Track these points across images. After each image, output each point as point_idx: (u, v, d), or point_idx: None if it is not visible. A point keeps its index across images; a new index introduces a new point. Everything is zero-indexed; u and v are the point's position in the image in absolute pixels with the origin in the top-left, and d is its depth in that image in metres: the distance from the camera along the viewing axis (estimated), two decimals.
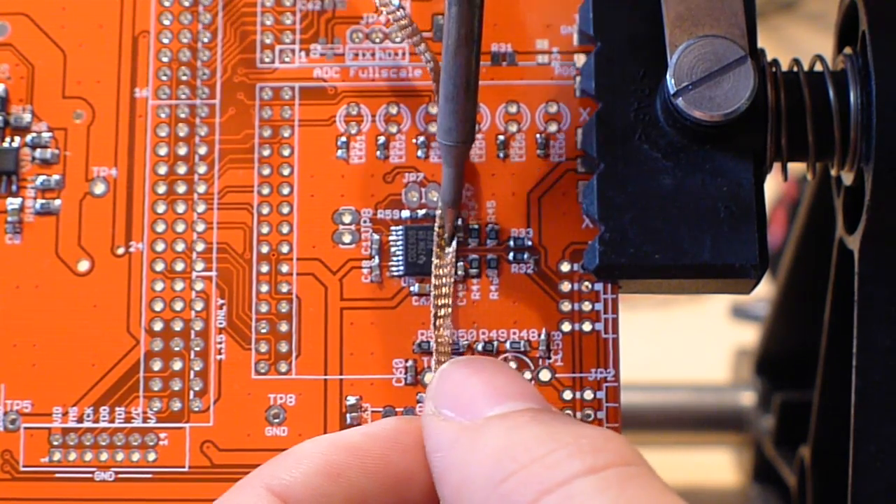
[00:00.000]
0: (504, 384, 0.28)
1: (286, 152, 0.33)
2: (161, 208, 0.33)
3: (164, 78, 0.34)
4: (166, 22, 0.34)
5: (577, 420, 0.27)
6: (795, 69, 0.33)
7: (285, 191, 0.33)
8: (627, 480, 0.25)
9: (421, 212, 0.33)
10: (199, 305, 0.33)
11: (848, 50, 0.33)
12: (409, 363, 0.32)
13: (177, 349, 0.33)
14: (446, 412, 0.27)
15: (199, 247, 0.33)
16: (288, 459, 0.28)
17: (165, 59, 0.34)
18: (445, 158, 0.31)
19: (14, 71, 0.34)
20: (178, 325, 0.33)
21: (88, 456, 0.32)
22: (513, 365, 0.32)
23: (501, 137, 0.33)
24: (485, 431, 0.26)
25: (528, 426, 0.26)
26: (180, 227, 0.33)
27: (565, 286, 0.32)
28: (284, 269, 0.33)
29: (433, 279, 0.32)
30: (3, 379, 0.32)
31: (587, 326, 0.32)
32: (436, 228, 0.32)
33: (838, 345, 0.38)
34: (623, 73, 0.32)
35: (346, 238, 0.33)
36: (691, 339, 0.64)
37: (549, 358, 0.32)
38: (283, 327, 0.33)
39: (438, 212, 0.32)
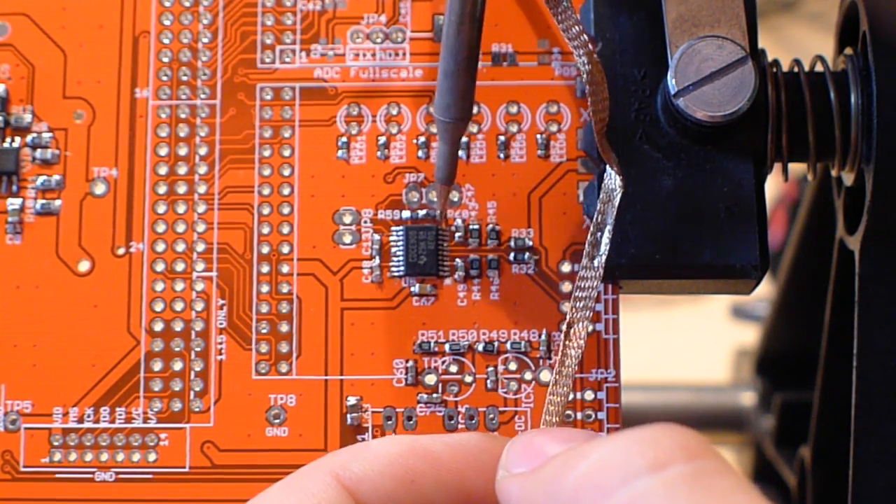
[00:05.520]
0: (568, 433, 0.27)
1: (287, 153, 0.33)
2: (161, 209, 0.33)
3: (165, 78, 0.34)
4: (167, 22, 0.34)
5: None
6: (796, 69, 0.33)
7: (286, 191, 0.33)
8: (695, 477, 0.23)
9: (421, 212, 0.33)
10: (199, 306, 0.33)
11: (849, 50, 0.33)
12: (410, 363, 0.32)
13: (177, 350, 0.33)
14: (516, 469, 0.26)
15: (200, 247, 0.33)
16: (364, 453, 0.27)
17: (166, 60, 0.34)
18: (441, 135, 0.30)
19: (14, 71, 0.34)
20: (178, 326, 0.33)
21: (89, 456, 0.32)
22: (513, 366, 0.32)
23: (502, 138, 0.33)
24: (546, 466, 0.25)
25: (585, 448, 0.24)
26: (181, 228, 0.33)
27: (566, 286, 0.32)
28: (285, 269, 0.33)
29: (575, 290, 0.31)
30: (3, 379, 0.32)
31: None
32: (588, 240, 0.31)
33: (838, 345, 0.38)
34: (623, 73, 0.32)
35: (347, 238, 0.33)
36: (691, 339, 0.64)
37: (550, 358, 0.32)
38: (284, 328, 0.33)
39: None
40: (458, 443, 0.27)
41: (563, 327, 0.31)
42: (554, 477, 0.24)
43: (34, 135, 0.34)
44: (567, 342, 0.31)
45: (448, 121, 0.30)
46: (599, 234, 0.31)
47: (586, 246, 0.31)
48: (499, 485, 0.26)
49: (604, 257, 0.31)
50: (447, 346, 0.32)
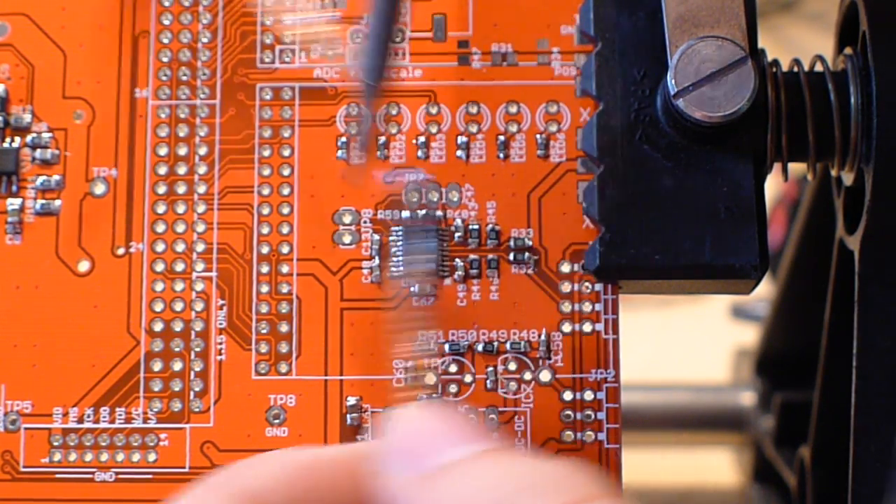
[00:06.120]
0: (453, 429, 0.26)
1: (286, 153, 0.33)
2: (161, 209, 0.33)
3: (165, 78, 0.34)
4: (166, 22, 0.34)
5: (532, 457, 0.26)
6: (796, 69, 0.33)
7: (285, 191, 0.33)
8: None
9: (421, 212, 0.33)
10: (199, 306, 0.33)
11: (848, 50, 0.33)
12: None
13: (177, 350, 0.33)
14: (401, 467, 0.26)
15: (200, 247, 0.33)
16: (255, 467, 0.27)
17: (165, 60, 0.34)
18: (368, 99, 0.30)
19: (14, 71, 0.34)
20: (178, 326, 0.33)
21: (89, 456, 0.32)
22: (513, 366, 0.32)
23: (502, 138, 0.33)
24: (443, 480, 0.25)
25: (486, 470, 0.25)
26: (180, 228, 0.33)
27: (566, 287, 0.32)
28: (285, 269, 0.33)
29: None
30: (3, 379, 0.32)
31: (587, 327, 0.32)
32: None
33: (838, 345, 0.37)
34: (623, 73, 0.32)
35: (347, 238, 0.33)
36: (691, 339, 0.64)
37: (550, 359, 0.32)
38: (284, 328, 0.33)
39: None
40: (350, 451, 0.27)
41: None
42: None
43: (34, 135, 0.34)
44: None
45: (375, 83, 0.29)
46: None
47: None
48: (383, 478, 0.26)
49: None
50: (447, 346, 0.32)
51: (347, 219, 0.33)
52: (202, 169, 0.33)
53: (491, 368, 0.32)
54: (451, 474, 0.25)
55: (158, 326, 0.33)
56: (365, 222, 0.33)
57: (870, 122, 0.32)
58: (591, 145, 0.32)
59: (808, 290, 0.45)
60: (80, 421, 0.32)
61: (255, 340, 0.33)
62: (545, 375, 0.32)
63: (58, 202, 0.33)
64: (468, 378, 0.32)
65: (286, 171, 0.33)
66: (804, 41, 0.74)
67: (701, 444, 0.58)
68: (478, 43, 0.34)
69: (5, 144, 0.34)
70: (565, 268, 0.33)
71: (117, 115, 0.34)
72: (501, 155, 0.33)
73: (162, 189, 0.33)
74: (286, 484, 0.26)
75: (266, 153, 0.33)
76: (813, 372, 0.40)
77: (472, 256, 0.33)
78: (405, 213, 0.33)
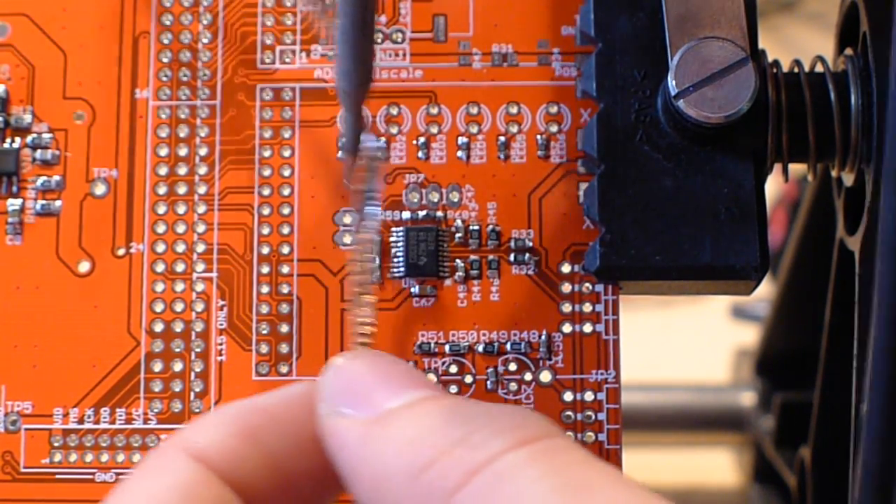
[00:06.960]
0: (399, 375, 0.27)
1: (287, 153, 0.33)
2: (162, 209, 0.33)
3: (165, 79, 0.34)
4: (167, 23, 0.34)
5: (482, 402, 0.27)
6: (796, 70, 0.33)
7: (286, 192, 0.33)
8: (555, 451, 0.24)
9: (422, 213, 0.33)
10: (199, 307, 0.33)
11: (849, 51, 0.33)
12: (410, 364, 0.32)
13: (177, 350, 0.33)
14: (345, 410, 0.26)
15: (200, 248, 0.33)
16: (203, 423, 0.27)
17: (166, 60, 0.34)
18: (344, 104, 0.29)
19: (14, 71, 0.34)
20: (178, 327, 0.33)
21: (89, 457, 0.32)
22: (513, 366, 0.32)
23: (502, 138, 0.33)
24: (393, 422, 0.25)
25: (438, 412, 0.25)
26: (181, 229, 0.33)
27: (566, 287, 0.32)
28: (285, 270, 0.33)
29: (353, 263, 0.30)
30: (3, 380, 0.32)
31: (588, 328, 0.32)
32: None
33: (838, 345, 0.38)
34: (624, 74, 0.32)
35: (347, 239, 0.33)
36: (691, 340, 0.64)
37: (550, 359, 0.32)
38: (284, 328, 0.33)
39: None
40: (290, 393, 0.27)
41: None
42: (413, 452, 0.25)
43: (34, 135, 0.34)
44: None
45: (350, 87, 0.29)
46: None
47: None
48: (326, 420, 0.26)
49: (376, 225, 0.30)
50: (447, 347, 0.32)
51: (348, 219, 0.33)
52: (203, 169, 0.33)
53: (491, 369, 0.32)
54: (399, 417, 0.25)
55: (159, 327, 0.33)
56: None
57: (870, 123, 0.32)
58: (591, 146, 0.32)
59: (808, 291, 0.45)
60: (81, 421, 0.32)
61: (255, 341, 0.33)
62: (545, 376, 0.32)
63: (58, 203, 0.33)
64: (468, 379, 0.32)
65: (287, 172, 0.33)
66: (804, 41, 0.74)
67: (701, 444, 0.58)
68: (478, 43, 0.34)
69: (6, 145, 0.34)
70: (566, 268, 0.33)
71: (118, 116, 0.34)
72: (502, 155, 0.33)
73: (162, 190, 0.33)
74: (232, 432, 0.27)
75: (266, 154, 0.33)
76: (813, 372, 0.40)
77: (472, 257, 0.33)
78: (405, 214, 0.33)
